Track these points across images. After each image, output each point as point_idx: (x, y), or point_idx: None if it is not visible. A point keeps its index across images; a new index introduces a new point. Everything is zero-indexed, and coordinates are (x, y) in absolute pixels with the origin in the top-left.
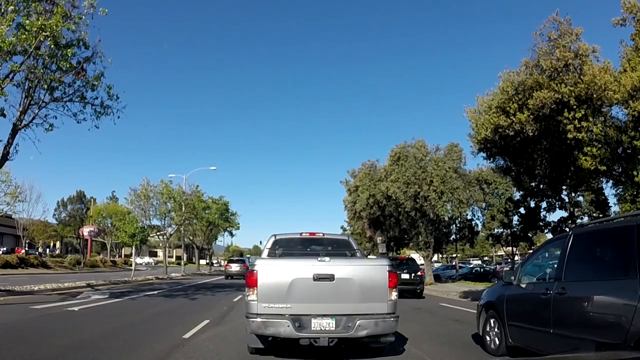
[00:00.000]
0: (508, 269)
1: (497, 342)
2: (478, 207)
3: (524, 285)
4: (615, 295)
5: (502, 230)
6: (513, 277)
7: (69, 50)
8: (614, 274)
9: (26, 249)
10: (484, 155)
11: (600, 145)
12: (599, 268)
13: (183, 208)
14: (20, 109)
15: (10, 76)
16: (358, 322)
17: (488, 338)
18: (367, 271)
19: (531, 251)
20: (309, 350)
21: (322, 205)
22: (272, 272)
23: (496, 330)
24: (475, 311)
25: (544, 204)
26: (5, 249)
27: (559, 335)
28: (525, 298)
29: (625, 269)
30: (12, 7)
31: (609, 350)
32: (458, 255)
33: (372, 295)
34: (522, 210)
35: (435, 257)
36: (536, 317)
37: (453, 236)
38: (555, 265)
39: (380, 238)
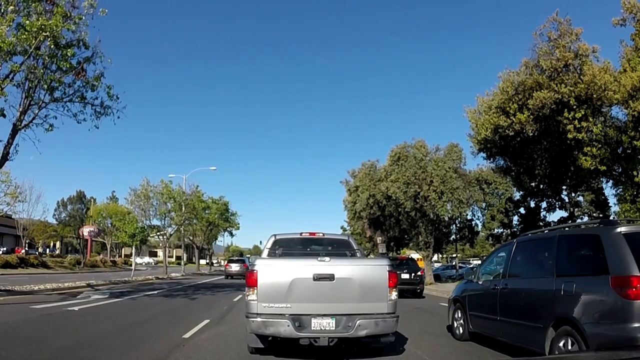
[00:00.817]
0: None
1: (462, 330)
2: (478, 207)
3: (480, 282)
4: (540, 289)
5: (502, 230)
6: (473, 276)
7: (69, 50)
8: (540, 273)
9: (26, 249)
10: (484, 155)
11: (600, 145)
12: (531, 268)
13: (183, 208)
14: (20, 109)
15: (10, 76)
16: (358, 322)
17: (455, 326)
18: (367, 271)
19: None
20: (309, 350)
21: (322, 205)
22: (272, 272)
23: (461, 320)
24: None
25: (544, 204)
26: (5, 249)
27: (504, 322)
28: (481, 292)
29: (547, 269)
30: (12, 7)
31: (608, 350)
32: (458, 255)
33: (372, 295)
34: (522, 210)
35: (435, 257)
36: (488, 307)
37: (453, 236)
38: (503, 266)
39: (380, 238)
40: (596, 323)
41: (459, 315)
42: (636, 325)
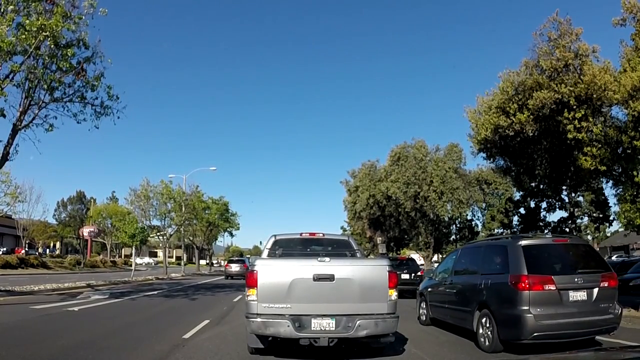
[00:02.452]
0: None
1: (425, 317)
2: (478, 207)
3: (437, 279)
4: (471, 283)
5: (502, 230)
6: (432, 274)
7: (69, 50)
8: (472, 271)
9: (26, 249)
10: (484, 155)
11: (600, 145)
12: (467, 268)
13: (183, 208)
14: (20, 109)
15: (10, 76)
16: (358, 322)
17: (420, 314)
18: (367, 271)
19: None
20: (309, 350)
21: (322, 205)
22: (272, 272)
23: (424, 309)
24: None
25: (544, 204)
26: (5, 249)
27: (448, 309)
28: (436, 287)
29: (476, 269)
30: (12, 7)
31: (604, 350)
32: None
33: (372, 295)
34: (522, 210)
35: (435, 257)
36: (440, 298)
37: (453, 236)
38: (451, 266)
39: (380, 238)
40: (500, 306)
41: (423, 305)
42: (523, 307)
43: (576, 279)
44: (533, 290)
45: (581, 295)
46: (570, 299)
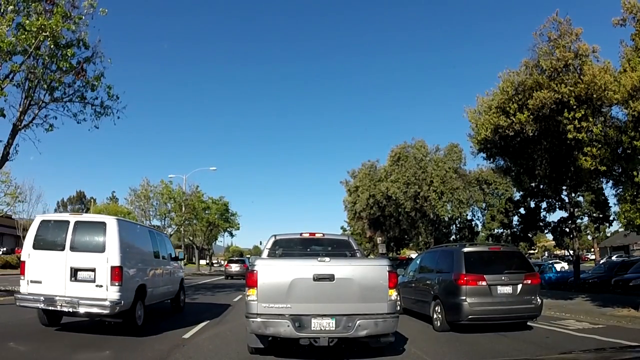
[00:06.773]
0: None
1: (399, 307)
2: (478, 207)
3: (407, 277)
4: (430, 280)
5: (502, 230)
6: (404, 272)
7: (69, 50)
8: (430, 270)
9: None
10: (484, 155)
11: (600, 146)
12: (427, 268)
13: (183, 208)
14: (20, 109)
15: (10, 76)
16: (358, 322)
17: None
18: (367, 271)
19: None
20: (309, 350)
21: (322, 206)
22: (272, 272)
23: (398, 301)
24: None
25: (544, 204)
26: (5, 249)
27: (415, 300)
28: (407, 283)
29: (433, 268)
30: (12, 7)
31: (605, 350)
32: None
33: (372, 295)
34: (522, 210)
35: None
36: (409, 292)
37: (453, 236)
38: (417, 266)
39: (380, 238)
40: (447, 296)
41: (398, 298)
42: (462, 297)
43: (503, 277)
44: (469, 285)
45: (507, 289)
46: (499, 292)
